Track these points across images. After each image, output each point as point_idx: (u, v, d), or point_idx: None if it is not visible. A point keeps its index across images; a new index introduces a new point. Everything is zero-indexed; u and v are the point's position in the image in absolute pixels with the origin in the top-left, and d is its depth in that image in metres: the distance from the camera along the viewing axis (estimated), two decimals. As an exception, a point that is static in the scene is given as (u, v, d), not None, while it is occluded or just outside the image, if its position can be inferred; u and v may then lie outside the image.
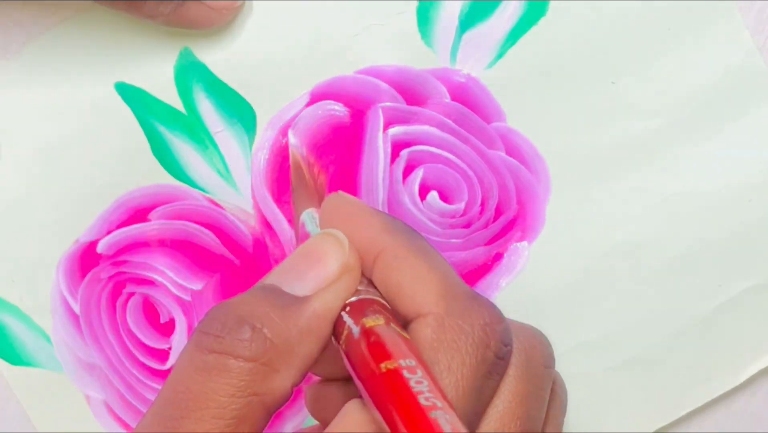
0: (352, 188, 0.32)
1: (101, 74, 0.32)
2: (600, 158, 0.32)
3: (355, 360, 0.22)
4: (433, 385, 0.20)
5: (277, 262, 0.33)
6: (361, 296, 0.23)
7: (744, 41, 0.31)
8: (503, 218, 0.33)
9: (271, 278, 0.24)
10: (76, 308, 0.34)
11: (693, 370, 0.34)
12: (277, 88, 0.32)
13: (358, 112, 0.32)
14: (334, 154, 0.32)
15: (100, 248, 0.33)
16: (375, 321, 0.22)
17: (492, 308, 0.23)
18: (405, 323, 0.23)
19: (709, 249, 0.33)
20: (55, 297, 0.33)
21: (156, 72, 0.32)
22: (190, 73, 0.31)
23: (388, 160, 0.32)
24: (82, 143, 0.32)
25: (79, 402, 0.35)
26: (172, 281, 0.33)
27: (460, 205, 0.33)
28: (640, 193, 0.32)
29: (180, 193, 0.33)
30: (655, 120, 0.32)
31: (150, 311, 0.34)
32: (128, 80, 0.32)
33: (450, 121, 0.32)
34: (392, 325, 0.22)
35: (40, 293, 0.33)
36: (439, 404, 0.19)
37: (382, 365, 0.20)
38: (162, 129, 0.32)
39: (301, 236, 0.28)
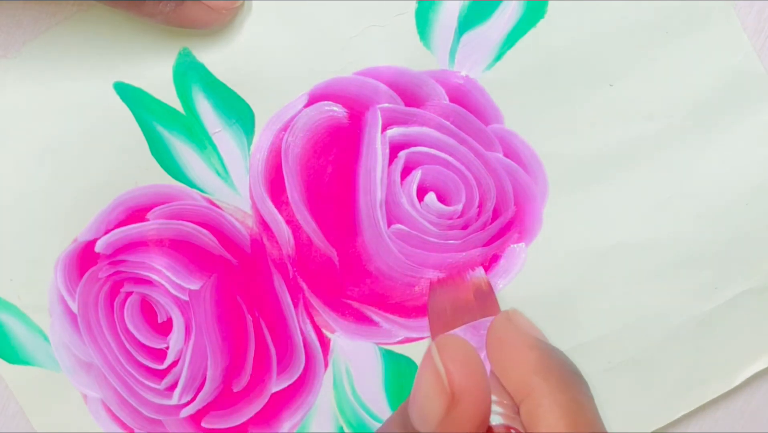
0: (351, 189, 0.32)
1: (100, 74, 0.32)
2: (597, 161, 0.32)
3: None
4: None
5: (274, 262, 0.33)
6: (504, 422, 0.23)
7: (742, 44, 0.31)
8: (501, 220, 0.33)
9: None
10: (74, 307, 0.34)
11: (689, 372, 0.34)
12: (276, 89, 0.32)
13: (357, 113, 0.32)
14: (333, 154, 0.32)
15: (99, 247, 0.33)
16: None
17: None
18: None
19: (706, 252, 0.33)
20: (53, 296, 0.34)
21: (155, 72, 0.32)
22: (189, 73, 0.31)
23: (387, 161, 0.32)
24: (81, 143, 0.32)
25: (77, 401, 0.35)
26: (170, 281, 0.33)
27: (458, 207, 0.33)
28: (637, 196, 0.32)
29: (178, 193, 0.33)
30: (652, 122, 0.32)
31: (148, 311, 0.34)
32: (127, 80, 0.32)
33: (448, 123, 0.32)
34: None
35: (38, 292, 0.33)
36: None
37: None
38: (161, 129, 0.32)
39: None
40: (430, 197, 0.33)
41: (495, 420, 0.24)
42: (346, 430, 0.35)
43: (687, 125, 0.32)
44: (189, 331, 0.34)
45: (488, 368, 0.26)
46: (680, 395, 0.34)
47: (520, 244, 0.33)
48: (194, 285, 0.33)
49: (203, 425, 0.35)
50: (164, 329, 0.34)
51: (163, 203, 0.33)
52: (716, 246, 0.33)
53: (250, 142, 0.32)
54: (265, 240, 0.33)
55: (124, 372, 0.34)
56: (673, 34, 0.31)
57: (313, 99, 0.32)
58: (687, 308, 0.33)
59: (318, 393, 0.34)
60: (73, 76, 0.32)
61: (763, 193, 0.32)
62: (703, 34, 0.31)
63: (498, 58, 0.32)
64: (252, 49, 0.31)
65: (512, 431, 0.24)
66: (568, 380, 0.24)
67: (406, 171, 0.32)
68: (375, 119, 0.32)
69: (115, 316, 0.34)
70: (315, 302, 0.34)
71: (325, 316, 0.34)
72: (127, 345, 0.34)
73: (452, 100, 0.32)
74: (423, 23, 0.31)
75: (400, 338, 0.34)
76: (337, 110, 0.32)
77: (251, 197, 0.33)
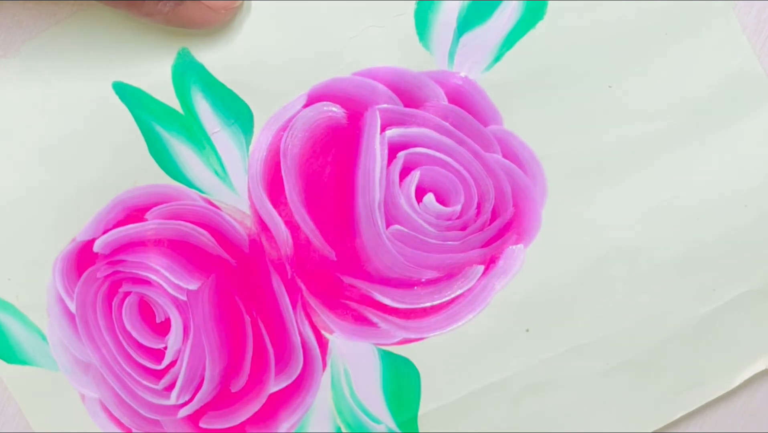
0: (349, 190, 0.32)
1: (99, 74, 0.32)
2: (596, 162, 0.32)
3: None
4: None
5: (273, 263, 0.33)
6: None
7: (741, 45, 0.31)
8: (499, 221, 0.33)
9: None
10: (72, 307, 0.34)
11: (688, 373, 0.34)
12: (275, 89, 0.32)
13: (356, 114, 0.32)
14: (331, 155, 0.32)
15: (97, 247, 0.33)
16: None
17: None
18: None
19: (705, 253, 0.33)
20: (51, 296, 0.34)
21: (154, 72, 0.32)
22: (188, 73, 0.32)
23: (385, 162, 0.32)
24: (80, 142, 0.32)
25: (75, 401, 0.35)
26: (168, 281, 0.33)
27: (457, 208, 0.33)
28: (636, 197, 0.32)
29: (177, 193, 0.33)
30: (652, 124, 0.32)
31: (146, 311, 0.34)
32: (126, 80, 0.32)
33: (447, 124, 0.32)
34: None
35: (36, 292, 0.33)
36: None
37: None
38: (159, 129, 0.32)
39: None
40: (429, 198, 0.33)
41: None
42: (344, 430, 0.35)
43: (686, 127, 0.32)
44: (187, 331, 0.34)
45: None
46: (679, 396, 0.34)
47: (518, 245, 0.33)
48: (192, 285, 0.33)
49: (201, 425, 0.35)
50: (162, 329, 0.34)
51: (161, 203, 0.33)
52: (715, 247, 0.33)
53: (248, 143, 0.32)
54: (263, 240, 0.33)
55: (122, 372, 0.34)
56: (672, 36, 0.31)
57: (312, 99, 0.32)
58: (686, 309, 0.33)
59: (316, 394, 0.34)
60: (72, 76, 0.32)
61: (762, 195, 0.32)
62: (703, 35, 0.31)
63: (497, 59, 0.32)
64: (251, 50, 0.31)
65: None
66: None
67: (405, 172, 0.32)
68: (374, 120, 0.32)
69: (113, 316, 0.34)
70: (313, 302, 0.34)
71: (324, 316, 0.34)
72: (125, 345, 0.34)
73: (451, 101, 0.32)
74: (422, 24, 0.31)
75: (398, 339, 0.34)
76: (335, 111, 0.32)
77: (250, 197, 0.33)
